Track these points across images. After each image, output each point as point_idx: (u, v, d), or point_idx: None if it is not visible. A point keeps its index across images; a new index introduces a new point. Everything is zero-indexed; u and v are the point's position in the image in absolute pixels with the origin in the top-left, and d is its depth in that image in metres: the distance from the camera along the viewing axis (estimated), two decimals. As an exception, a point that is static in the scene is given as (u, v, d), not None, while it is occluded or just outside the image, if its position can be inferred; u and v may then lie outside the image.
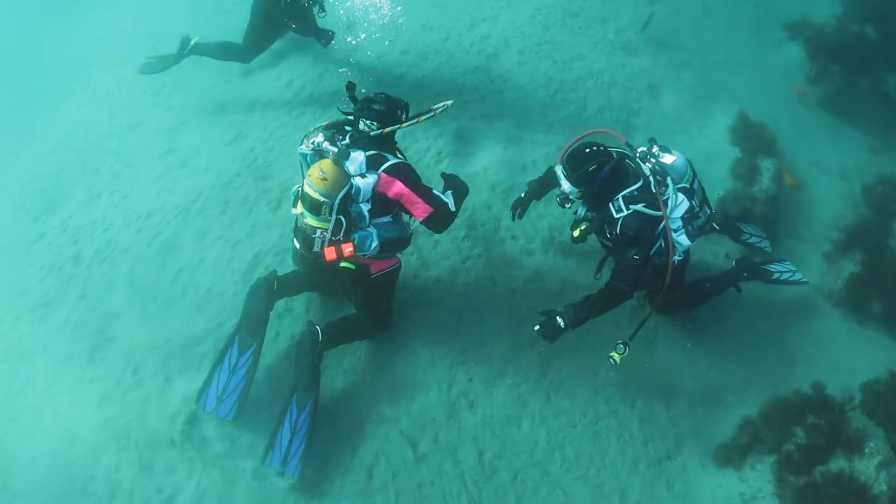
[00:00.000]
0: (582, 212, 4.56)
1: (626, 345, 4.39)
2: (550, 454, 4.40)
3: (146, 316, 4.93)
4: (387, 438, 4.34)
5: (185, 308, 4.92)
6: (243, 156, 6.07)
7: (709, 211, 4.71)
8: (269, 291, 4.48)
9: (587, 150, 4.27)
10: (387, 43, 6.91)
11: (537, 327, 4.42)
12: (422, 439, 4.36)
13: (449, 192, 4.40)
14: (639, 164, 4.39)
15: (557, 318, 4.37)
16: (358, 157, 4.16)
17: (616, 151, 4.42)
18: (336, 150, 4.08)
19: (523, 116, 6.42)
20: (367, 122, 4.33)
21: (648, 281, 4.50)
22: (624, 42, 7.56)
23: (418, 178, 4.30)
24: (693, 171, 4.61)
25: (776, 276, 5.25)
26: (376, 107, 4.34)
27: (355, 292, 4.57)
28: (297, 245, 4.39)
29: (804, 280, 5.31)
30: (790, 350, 5.16)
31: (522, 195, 5.01)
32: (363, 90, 4.61)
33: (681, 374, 4.86)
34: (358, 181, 4.09)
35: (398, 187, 4.17)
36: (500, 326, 4.89)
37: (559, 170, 4.36)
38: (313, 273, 4.54)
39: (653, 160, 4.40)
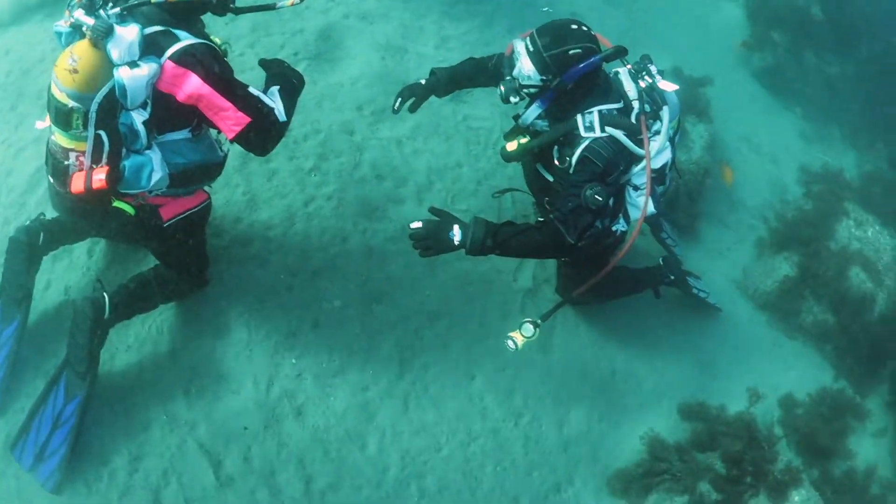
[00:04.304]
0: (530, 117, 3.48)
1: (536, 325, 3.45)
2: (405, 486, 3.55)
3: None
4: (180, 451, 3.40)
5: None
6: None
7: (669, 181, 3.81)
8: (31, 249, 3.39)
9: (574, 27, 3.29)
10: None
11: (416, 224, 3.19)
12: (228, 456, 3.43)
13: (274, 90, 2.98)
14: (622, 80, 3.47)
15: (455, 227, 3.17)
16: (127, 35, 2.61)
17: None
18: (93, 22, 2.58)
19: (412, 23, 5.37)
20: None
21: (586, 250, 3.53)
22: (543, -40, 6.66)
23: (228, 70, 2.83)
24: (680, 118, 3.72)
25: (695, 291, 4.59)
26: None
27: (146, 244, 3.36)
28: (50, 177, 3.00)
29: (719, 308, 4.73)
30: (708, 357, 4.58)
31: (422, 81, 3.79)
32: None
33: (579, 381, 4.10)
34: (123, 74, 2.60)
35: (193, 85, 2.69)
36: (346, 300, 3.89)
37: (521, 45, 3.34)
38: (79, 220, 3.27)
39: (648, 79, 3.45)
